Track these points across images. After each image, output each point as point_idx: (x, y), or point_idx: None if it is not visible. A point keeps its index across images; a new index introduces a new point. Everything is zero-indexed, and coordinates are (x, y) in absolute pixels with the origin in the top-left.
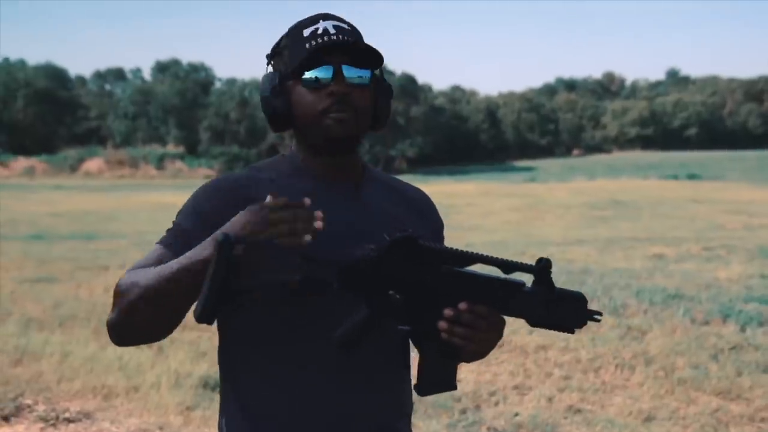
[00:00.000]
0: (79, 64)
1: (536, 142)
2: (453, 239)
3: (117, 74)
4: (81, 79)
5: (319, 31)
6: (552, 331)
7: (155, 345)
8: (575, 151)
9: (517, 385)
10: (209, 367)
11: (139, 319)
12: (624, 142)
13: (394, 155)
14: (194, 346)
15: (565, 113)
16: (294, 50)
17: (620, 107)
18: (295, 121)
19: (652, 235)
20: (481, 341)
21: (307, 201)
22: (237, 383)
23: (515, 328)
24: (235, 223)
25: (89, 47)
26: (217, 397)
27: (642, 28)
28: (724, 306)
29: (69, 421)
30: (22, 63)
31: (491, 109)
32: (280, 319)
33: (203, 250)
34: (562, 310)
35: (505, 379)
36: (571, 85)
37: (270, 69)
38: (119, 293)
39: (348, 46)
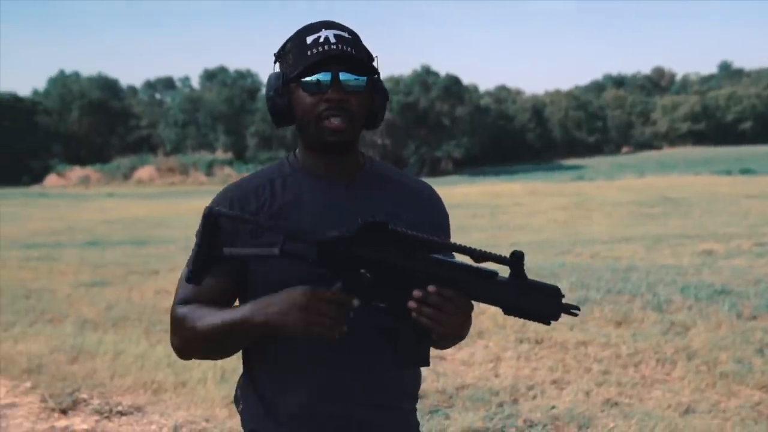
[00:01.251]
0: (130, 74)
1: (584, 140)
2: (498, 239)
3: (166, 83)
4: (132, 89)
5: (321, 40)
6: (590, 327)
7: None
8: (624, 149)
9: (556, 380)
10: None
11: (199, 352)
12: (675, 138)
13: (440, 156)
14: None
15: (613, 110)
16: (297, 55)
17: (671, 102)
18: (296, 120)
19: (702, 231)
20: (449, 324)
21: (356, 303)
22: (251, 374)
23: (555, 325)
24: (285, 301)
25: (139, 57)
26: None
27: (692, 20)
28: None
29: (121, 414)
30: (76, 75)
31: (537, 107)
32: None
33: (251, 314)
34: (535, 300)
35: (543, 374)
36: (619, 82)
37: (276, 68)
38: (178, 327)
39: (346, 55)
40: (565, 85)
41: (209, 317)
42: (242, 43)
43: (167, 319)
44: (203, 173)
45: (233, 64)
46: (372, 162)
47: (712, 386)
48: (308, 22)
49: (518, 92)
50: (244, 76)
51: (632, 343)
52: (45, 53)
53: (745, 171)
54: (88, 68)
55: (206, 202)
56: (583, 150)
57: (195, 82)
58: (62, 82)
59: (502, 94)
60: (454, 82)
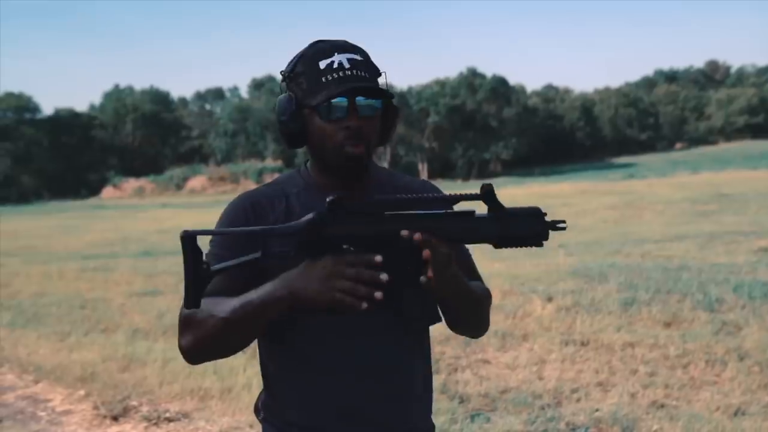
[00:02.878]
0: (181, 85)
1: (635, 138)
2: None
3: (216, 94)
4: (183, 101)
5: (335, 65)
6: (638, 328)
7: (248, 350)
8: (678, 145)
9: (601, 382)
10: None
11: (210, 346)
12: (731, 133)
13: (488, 159)
14: None
15: (665, 106)
16: (310, 80)
17: (726, 96)
18: (309, 143)
19: (758, 228)
20: (434, 270)
21: (378, 258)
22: (270, 387)
23: (602, 326)
24: (307, 274)
25: (189, 69)
26: None
27: (745, 10)
28: None
29: (169, 420)
30: (130, 89)
31: (587, 106)
32: (298, 324)
33: (273, 288)
34: (518, 225)
35: (588, 377)
36: (671, 77)
37: (284, 88)
38: (188, 324)
39: (362, 80)
40: (615, 82)
41: (224, 304)
42: (289, 51)
43: None
44: (254, 181)
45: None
46: (377, 170)
47: (764, 387)
48: (317, 41)
49: (566, 91)
50: None
51: (681, 343)
52: (100, 69)
53: None
54: (140, 81)
55: None
56: (635, 147)
57: (244, 92)
58: (116, 96)
59: (550, 93)
60: (500, 83)
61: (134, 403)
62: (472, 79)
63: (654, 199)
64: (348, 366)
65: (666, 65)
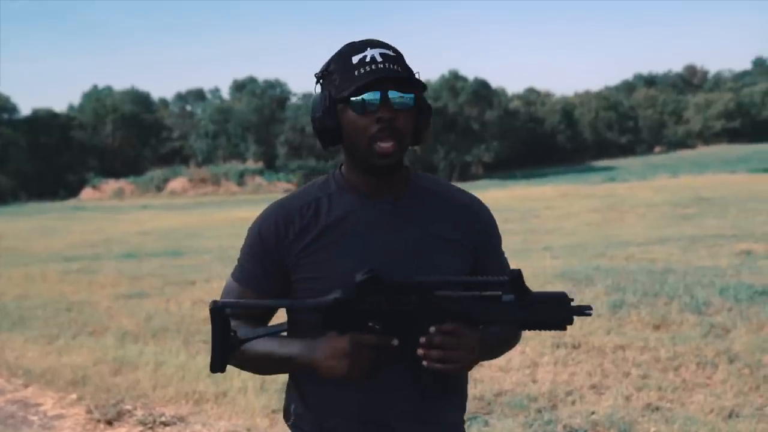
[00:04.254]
0: (162, 86)
1: (615, 141)
2: (531, 242)
3: (197, 95)
4: (163, 102)
5: (367, 59)
6: (628, 331)
7: None
8: (657, 148)
9: (594, 385)
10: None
11: (240, 367)
12: (709, 137)
13: (469, 161)
14: None
15: (645, 110)
16: (343, 76)
17: (704, 100)
18: (344, 140)
19: (739, 231)
20: (457, 358)
21: (395, 343)
22: (299, 389)
23: (592, 329)
24: (327, 352)
25: (170, 70)
26: None
27: (723, 16)
28: None
29: (164, 424)
30: (109, 90)
31: (567, 109)
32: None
33: (297, 354)
34: (544, 312)
35: (582, 379)
36: (650, 81)
37: (318, 88)
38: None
39: (393, 73)
40: (595, 85)
41: (256, 344)
42: (270, 53)
43: (206, 329)
44: (235, 183)
45: (262, 74)
46: (417, 176)
47: (755, 389)
48: (351, 41)
49: (547, 94)
50: (273, 85)
51: (671, 346)
52: (79, 69)
53: None
54: (120, 82)
55: (239, 211)
56: (615, 151)
57: (225, 93)
58: (96, 97)
59: (531, 96)
60: (482, 86)
61: (128, 407)
62: (453, 81)
63: (635, 202)
64: (374, 389)
65: (645, 69)
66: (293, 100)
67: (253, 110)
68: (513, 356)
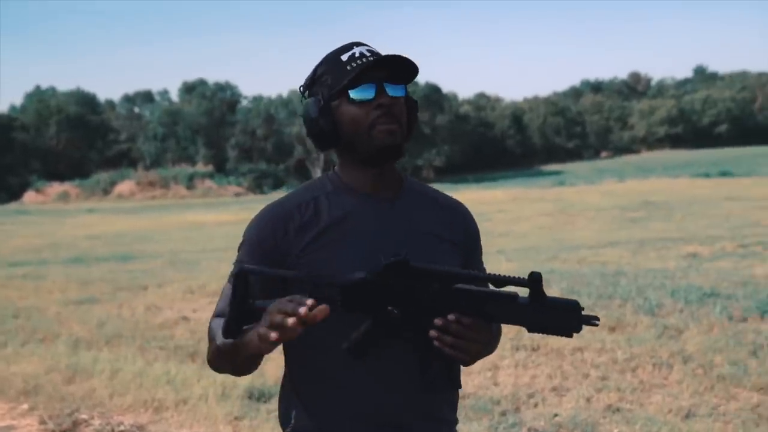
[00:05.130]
0: (108, 88)
1: (563, 146)
2: (484, 246)
3: (145, 97)
4: (110, 103)
5: (357, 55)
6: (585, 333)
7: (199, 359)
8: (603, 153)
9: (555, 387)
10: (254, 378)
11: (221, 366)
12: (653, 142)
13: (421, 165)
14: None
15: (591, 115)
16: (335, 74)
17: (647, 107)
18: (341, 138)
19: (685, 234)
20: (470, 350)
21: (309, 302)
22: (294, 380)
23: None
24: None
25: (117, 72)
26: (262, 407)
27: (667, 26)
28: (762, 302)
29: None
30: (53, 90)
31: (517, 114)
32: (324, 335)
33: (251, 343)
34: (556, 317)
35: (543, 381)
36: (596, 87)
37: (305, 99)
38: (209, 340)
39: (385, 63)
40: (544, 91)
41: (223, 342)
42: (221, 55)
43: (161, 335)
44: (184, 186)
45: (212, 77)
46: (407, 178)
47: (710, 389)
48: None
49: (497, 99)
50: (223, 88)
51: (628, 347)
52: (21, 69)
53: (723, 173)
54: (65, 83)
55: (189, 215)
56: (563, 155)
57: (174, 95)
58: (39, 98)
59: (482, 101)
60: (433, 90)
61: (84, 416)
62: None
63: (585, 206)
64: (378, 388)
65: (591, 76)
66: (244, 103)
67: (203, 113)
68: None
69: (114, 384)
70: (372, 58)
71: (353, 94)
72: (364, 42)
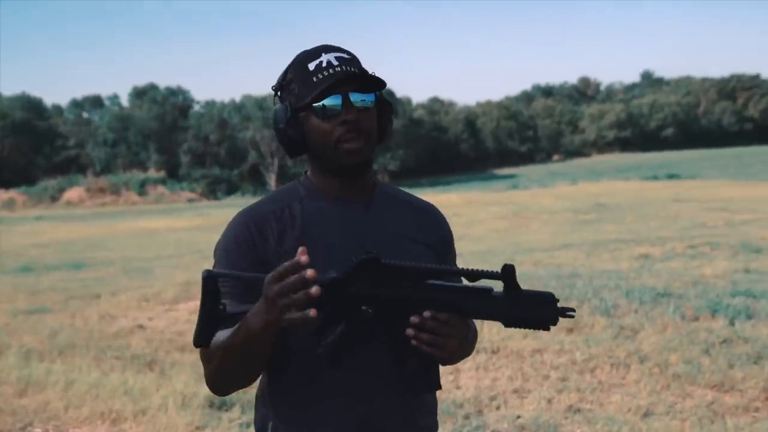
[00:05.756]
0: (56, 93)
1: (516, 150)
2: None
3: (94, 102)
4: (58, 108)
5: (324, 64)
6: (543, 335)
7: (156, 368)
8: (555, 157)
9: (517, 389)
10: None
11: (225, 374)
12: (603, 146)
13: (375, 169)
14: (197, 368)
15: (543, 119)
16: (302, 84)
17: (597, 111)
18: (310, 147)
19: (637, 236)
20: (447, 346)
21: (304, 258)
22: (271, 392)
23: (510, 333)
24: (256, 315)
25: (65, 76)
26: (224, 415)
27: (615, 32)
28: (712, 301)
29: None
30: None
31: (470, 118)
32: (297, 342)
33: (253, 324)
34: (532, 310)
35: (504, 384)
36: (548, 92)
37: (278, 101)
38: (204, 360)
39: (351, 75)
40: (496, 95)
41: (221, 337)
42: (172, 59)
43: (117, 344)
44: (136, 193)
45: (163, 81)
46: (380, 183)
47: (666, 388)
48: (304, 49)
49: (451, 104)
50: (175, 92)
51: (586, 348)
52: None
53: (671, 176)
54: (9, 88)
55: (142, 221)
56: (516, 159)
57: (124, 100)
58: None
59: (435, 105)
60: (387, 94)
61: (38, 430)
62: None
63: (539, 209)
64: (356, 395)
65: (543, 80)
66: (196, 107)
67: (154, 118)
68: None
69: (69, 396)
70: (339, 69)
71: (318, 108)
72: (335, 46)
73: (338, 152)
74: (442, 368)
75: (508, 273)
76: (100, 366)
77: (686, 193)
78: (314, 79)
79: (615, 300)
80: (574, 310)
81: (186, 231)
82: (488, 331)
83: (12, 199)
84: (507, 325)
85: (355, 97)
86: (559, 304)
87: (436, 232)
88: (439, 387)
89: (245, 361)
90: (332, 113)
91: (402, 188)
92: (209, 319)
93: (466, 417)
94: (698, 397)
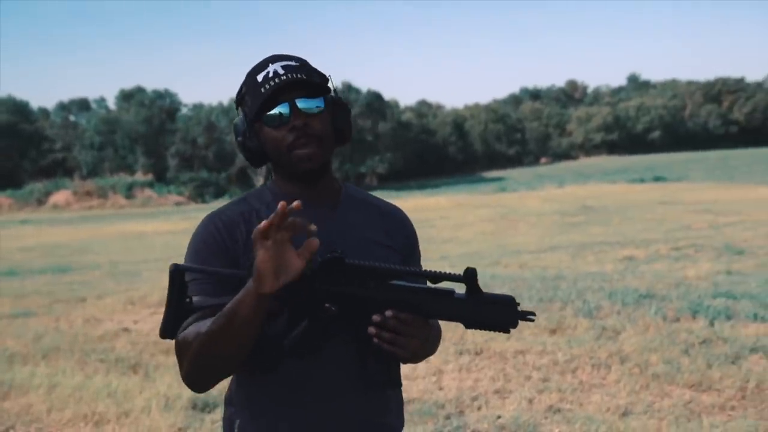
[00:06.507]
0: (42, 96)
1: (504, 153)
2: (429, 252)
3: (81, 105)
4: (44, 112)
5: (270, 75)
6: (527, 336)
7: (141, 371)
8: (543, 160)
9: (498, 390)
10: None
11: (207, 363)
12: (590, 148)
13: (364, 172)
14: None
15: (530, 122)
16: (253, 96)
17: (584, 114)
18: (268, 155)
19: (622, 238)
20: (408, 345)
21: (297, 203)
22: (240, 389)
23: (493, 335)
24: (247, 292)
25: (51, 79)
26: (207, 417)
27: (602, 35)
28: (693, 303)
29: None
30: None
31: (458, 121)
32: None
33: (239, 307)
34: (493, 312)
35: (486, 384)
36: (535, 95)
37: (239, 113)
38: (182, 350)
39: (298, 82)
40: (484, 98)
41: (211, 320)
42: (159, 62)
43: (101, 347)
44: (123, 196)
45: (151, 84)
46: (347, 186)
47: (645, 388)
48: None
49: (439, 107)
50: (162, 95)
51: (568, 349)
52: None
53: (657, 179)
54: None
55: (129, 225)
56: (504, 162)
57: (111, 103)
58: None
59: (423, 108)
60: (375, 98)
61: None
62: (347, 93)
63: (526, 211)
64: (319, 391)
65: (530, 83)
66: (184, 110)
67: (141, 121)
68: (419, 365)
69: (52, 399)
70: (284, 77)
71: (268, 117)
72: (283, 55)
73: (291, 159)
74: (423, 369)
75: (470, 276)
76: (84, 369)
77: (672, 196)
78: (261, 89)
79: (598, 301)
80: (533, 314)
81: (173, 234)
82: (472, 333)
83: None
84: (467, 326)
85: (303, 104)
86: (520, 308)
87: (402, 235)
88: (400, 384)
89: (229, 346)
90: (282, 121)
91: (390, 191)
92: (176, 311)
93: (447, 417)
94: (676, 397)
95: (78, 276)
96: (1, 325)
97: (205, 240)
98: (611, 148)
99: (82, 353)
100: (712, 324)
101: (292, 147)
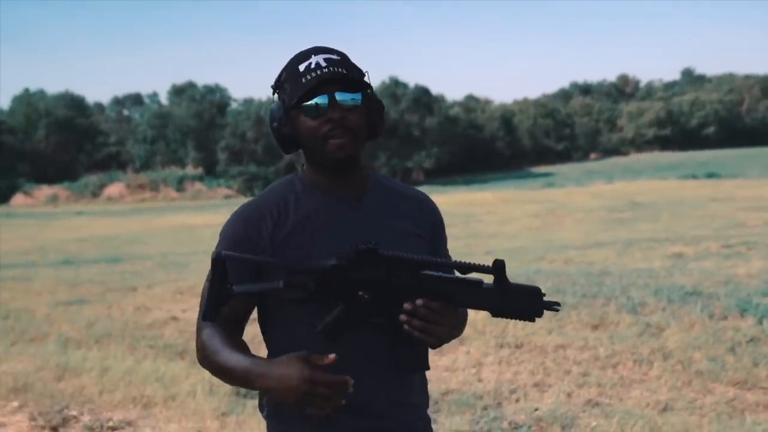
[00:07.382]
0: (97, 91)
1: (553, 148)
2: (474, 247)
3: (134, 99)
4: (99, 106)
5: (312, 66)
6: (568, 331)
7: (188, 357)
8: (592, 155)
9: (537, 383)
10: None
11: (212, 372)
12: (641, 144)
13: (411, 167)
14: None
15: (580, 117)
16: (293, 84)
17: (636, 109)
18: (301, 143)
19: (671, 235)
20: (437, 332)
21: (350, 380)
22: None
23: (534, 329)
24: (281, 379)
25: (106, 74)
26: (249, 402)
27: (655, 28)
28: (742, 301)
29: (113, 429)
30: (41, 93)
31: (506, 116)
32: (301, 326)
33: (258, 378)
34: (519, 302)
35: (525, 378)
36: (586, 89)
37: (276, 99)
38: (199, 348)
39: (338, 75)
40: (533, 93)
41: (221, 354)
42: (210, 58)
43: (151, 334)
44: (174, 189)
45: (201, 79)
46: (375, 175)
47: (688, 384)
48: (299, 51)
49: (487, 102)
50: (213, 90)
51: (609, 345)
52: (9, 72)
53: (710, 175)
54: (53, 86)
55: (179, 217)
56: (552, 157)
57: (163, 98)
58: (27, 101)
59: (471, 103)
60: (423, 92)
61: (74, 412)
62: (394, 88)
63: (573, 207)
64: (351, 373)
65: (581, 78)
66: (233, 105)
67: (192, 115)
68: (458, 356)
69: (103, 381)
70: (326, 70)
71: (307, 107)
72: (326, 47)
73: (325, 148)
74: (463, 361)
75: (498, 267)
76: (133, 354)
77: (726, 193)
78: (303, 80)
79: (643, 298)
80: (559, 304)
81: (222, 227)
82: (513, 326)
83: (56, 194)
84: (494, 315)
85: (341, 97)
86: (546, 298)
87: (429, 221)
88: (428, 368)
89: (234, 384)
90: (319, 112)
91: (436, 186)
92: (218, 297)
93: (485, 408)
94: (719, 394)
95: (129, 266)
96: (57, 311)
97: (234, 234)
98: (664, 143)
99: (132, 339)
100: (760, 322)
101: (326, 137)
